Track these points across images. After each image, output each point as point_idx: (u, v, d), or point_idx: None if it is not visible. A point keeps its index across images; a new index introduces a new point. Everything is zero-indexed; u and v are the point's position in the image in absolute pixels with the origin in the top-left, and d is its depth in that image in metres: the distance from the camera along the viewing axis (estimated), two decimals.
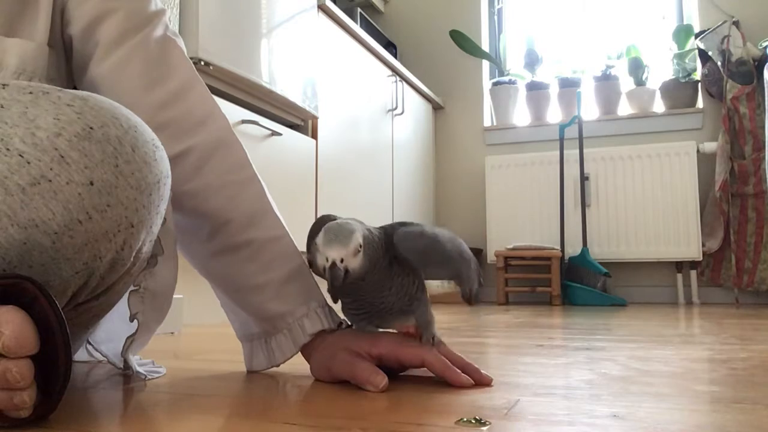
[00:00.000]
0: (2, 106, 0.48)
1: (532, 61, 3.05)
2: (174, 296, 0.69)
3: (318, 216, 0.73)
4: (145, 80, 0.68)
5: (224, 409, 0.55)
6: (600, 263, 2.65)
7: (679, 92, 2.84)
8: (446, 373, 0.64)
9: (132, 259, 0.54)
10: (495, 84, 3.13)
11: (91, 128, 0.48)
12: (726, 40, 2.66)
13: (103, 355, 0.79)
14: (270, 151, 1.72)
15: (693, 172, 2.69)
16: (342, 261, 0.60)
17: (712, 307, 2.39)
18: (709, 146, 2.69)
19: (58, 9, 0.68)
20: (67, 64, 0.71)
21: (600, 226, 2.80)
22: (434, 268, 0.67)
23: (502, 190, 2.95)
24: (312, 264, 0.68)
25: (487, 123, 3.17)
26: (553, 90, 3.04)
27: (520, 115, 3.11)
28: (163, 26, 0.72)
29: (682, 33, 2.82)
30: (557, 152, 2.85)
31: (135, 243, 0.53)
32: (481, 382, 0.64)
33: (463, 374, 0.64)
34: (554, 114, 3.05)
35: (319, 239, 0.61)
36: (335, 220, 0.68)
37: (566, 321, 1.67)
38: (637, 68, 2.89)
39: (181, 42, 0.74)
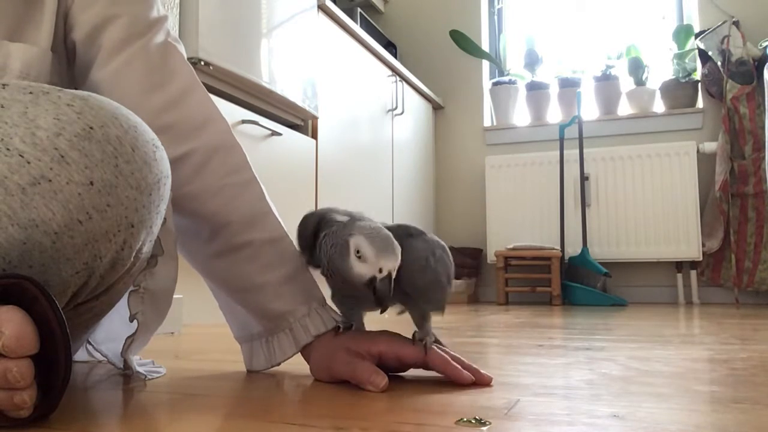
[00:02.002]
0: (2, 106, 0.48)
1: (532, 61, 3.05)
2: (174, 296, 0.69)
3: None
4: (146, 85, 0.69)
5: (224, 409, 0.55)
6: (600, 263, 2.65)
7: (679, 92, 2.84)
8: (447, 368, 0.64)
9: (132, 259, 0.54)
10: (495, 84, 3.13)
11: (91, 128, 0.48)
12: (726, 40, 2.66)
13: (103, 355, 0.79)
14: (270, 151, 1.72)
15: (693, 172, 2.69)
16: (394, 270, 0.58)
17: (712, 307, 2.39)
18: (709, 146, 2.69)
19: (62, 14, 0.69)
20: (68, 68, 0.71)
21: (600, 226, 2.80)
22: (427, 300, 0.66)
23: (502, 190, 2.95)
24: (316, 266, 0.66)
25: (487, 123, 3.17)
26: (553, 90, 3.04)
27: (520, 115, 3.11)
28: (164, 32, 0.73)
29: (682, 33, 2.82)
30: (557, 152, 2.85)
31: (135, 243, 0.53)
32: (481, 381, 0.64)
33: (463, 370, 0.64)
34: (554, 114, 3.05)
35: (366, 249, 0.58)
36: (327, 216, 0.67)
37: (566, 321, 1.67)
38: (637, 68, 2.89)
39: (182, 47, 0.75)
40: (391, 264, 0.58)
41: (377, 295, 0.59)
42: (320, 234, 0.66)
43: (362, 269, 0.59)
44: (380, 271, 0.58)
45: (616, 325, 1.50)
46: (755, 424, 0.47)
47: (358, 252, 0.59)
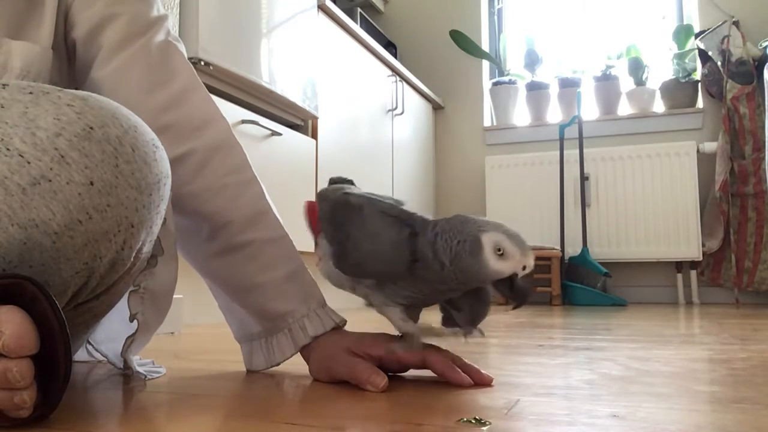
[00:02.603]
0: (2, 106, 0.48)
1: (532, 61, 3.05)
2: (174, 296, 0.69)
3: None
4: (147, 84, 0.69)
5: (224, 409, 0.55)
6: (600, 263, 2.65)
7: (679, 92, 2.84)
8: (447, 372, 0.64)
9: (132, 259, 0.54)
10: (495, 84, 3.13)
11: (91, 128, 0.48)
12: (726, 40, 2.66)
13: (103, 355, 0.79)
14: (270, 151, 1.72)
15: (693, 172, 2.69)
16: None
17: (712, 307, 2.39)
18: (709, 146, 2.69)
19: (62, 13, 0.69)
20: (69, 67, 0.71)
21: (600, 226, 2.80)
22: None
23: (502, 190, 2.95)
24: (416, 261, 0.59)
25: (487, 123, 3.17)
26: (553, 90, 3.04)
27: (520, 115, 3.12)
28: (164, 31, 0.73)
29: (682, 33, 2.82)
30: (557, 152, 2.85)
31: (135, 243, 0.53)
32: (482, 382, 0.64)
33: (462, 374, 0.64)
34: (554, 114, 3.05)
35: (509, 246, 0.55)
36: (414, 217, 0.62)
37: (566, 321, 1.67)
38: (637, 68, 2.89)
39: (182, 47, 0.74)
40: (532, 261, 0.56)
41: (521, 292, 0.57)
42: (427, 234, 0.60)
43: (502, 266, 0.56)
44: (524, 268, 0.56)
45: (616, 325, 1.50)
46: (755, 424, 0.47)
47: (499, 249, 0.56)
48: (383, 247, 0.61)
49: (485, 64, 3.20)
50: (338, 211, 0.65)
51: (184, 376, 0.73)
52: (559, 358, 0.87)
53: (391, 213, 0.63)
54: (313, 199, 0.72)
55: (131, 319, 0.64)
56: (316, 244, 0.69)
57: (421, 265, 0.59)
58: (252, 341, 0.74)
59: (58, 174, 0.47)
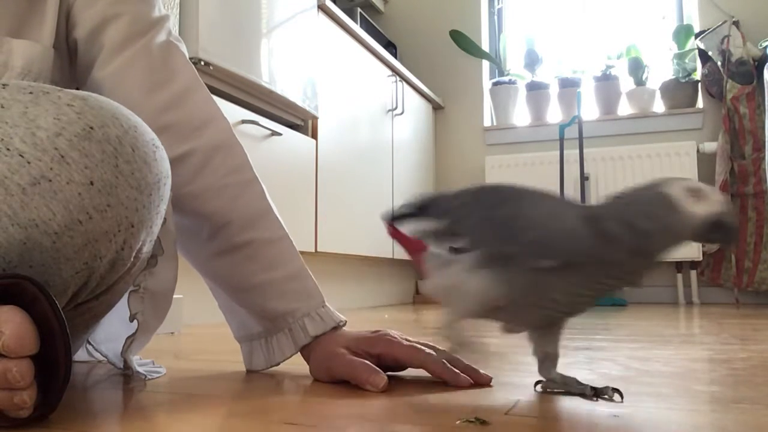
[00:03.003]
0: (2, 106, 0.48)
1: (532, 61, 3.05)
2: (174, 296, 0.69)
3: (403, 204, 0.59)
4: (148, 84, 0.69)
5: (224, 409, 0.55)
6: None
7: (679, 92, 2.84)
8: (444, 374, 0.64)
9: (132, 259, 0.54)
10: (495, 84, 3.13)
11: (91, 128, 0.48)
12: (726, 40, 2.66)
13: (103, 355, 0.79)
14: (270, 151, 1.72)
15: (693, 172, 2.69)
16: None
17: (712, 307, 2.39)
18: (709, 146, 2.69)
19: (64, 12, 0.69)
20: (70, 66, 0.71)
21: None
22: None
23: None
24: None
25: (487, 123, 3.17)
26: (553, 90, 3.04)
27: (520, 115, 3.11)
28: (166, 31, 0.73)
29: (682, 33, 2.82)
30: (557, 152, 2.84)
31: (135, 243, 0.53)
32: (481, 381, 0.64)
33: (461, 374, 0.64)
34: (554, 114, 3.05)
35: (698, 186, 0.52)
36: (583, 209, 0.56)
37: None
38: (637, 68, 2.89)
39: (183, 47, 0.74)
40: (724, 197, 0.53)
41: (730, 228, 0.53)
42: (598, 211, 0.55)
43: (703, 208, 0.52)
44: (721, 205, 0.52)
45: (616, 325, 1.50)
46: (755, 424, 0.47)
47: (691, 192, 0.52)
48: (567, 223, 0.55)
49: (485, 64, 3.20)
50: (487, 196, 0.59)
51: (184, 376, 0.73)
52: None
53: (552, 194, 0.58)
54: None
55: (131, 319, 0.64)
56: (418, 260, 0.62)
57: (604, 242, 0.54)
58: (252, 341, 0.74)
59: (58, 174, 0.47)
